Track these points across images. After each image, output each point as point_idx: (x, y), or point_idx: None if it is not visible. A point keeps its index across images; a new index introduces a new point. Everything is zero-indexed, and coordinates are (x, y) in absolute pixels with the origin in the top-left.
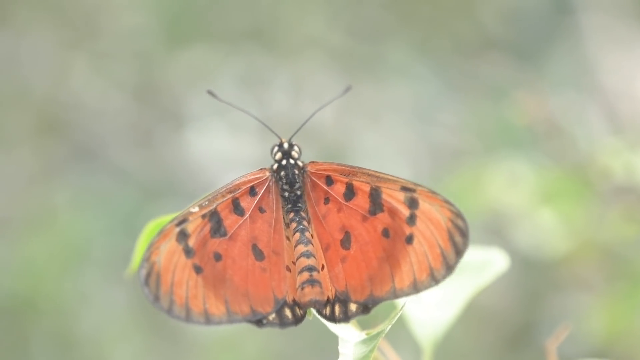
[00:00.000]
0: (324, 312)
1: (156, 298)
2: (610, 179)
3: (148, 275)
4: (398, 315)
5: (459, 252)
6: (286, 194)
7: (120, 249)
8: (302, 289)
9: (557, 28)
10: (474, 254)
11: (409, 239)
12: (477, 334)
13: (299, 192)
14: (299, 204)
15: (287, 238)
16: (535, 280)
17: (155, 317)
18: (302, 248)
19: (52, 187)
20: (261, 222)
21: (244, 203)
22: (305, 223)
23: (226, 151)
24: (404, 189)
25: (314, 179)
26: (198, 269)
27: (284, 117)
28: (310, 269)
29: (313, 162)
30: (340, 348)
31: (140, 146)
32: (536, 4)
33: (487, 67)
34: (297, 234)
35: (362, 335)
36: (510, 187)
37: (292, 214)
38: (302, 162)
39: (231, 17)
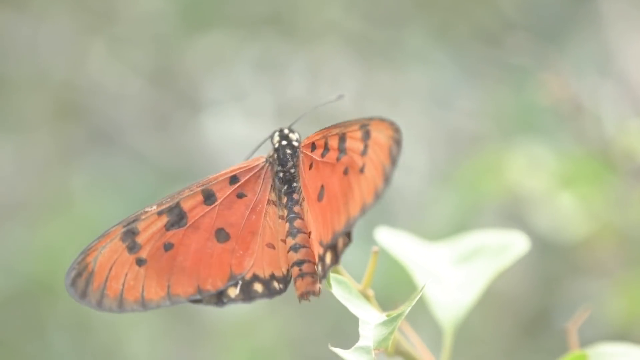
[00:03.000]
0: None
1: (83, 295)
2: (632, 160)
3: (78, 275)
4: (418, 297)
5: (394, 162)
6: (281, 174)
7: None
8: (295, 282)
9: (576, 14)
10: (494, 237)
11: (362, 169)
12: (495, 319)
13: (292, 171)
14: (294, 184)
15: (280, 217)
16: (554, 264)
17: None
18: (290, 241)
19: (69, 171)
20: (237, 206)
21: (218, 193)
22: (296, 209)
23: (242, 136)
24: (362, 126)
25: (304, 151)
26: (141, 262)
27: (300, 102)
28: (300, 263)
29: (306, 138)
30: (361, 330)
31: (158, 131)
32: None
33: (506, 51)
34: (287, 225)
35: (383, 317)
36: (530, 171)
37: (286, 199)
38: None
39: (249, 2)
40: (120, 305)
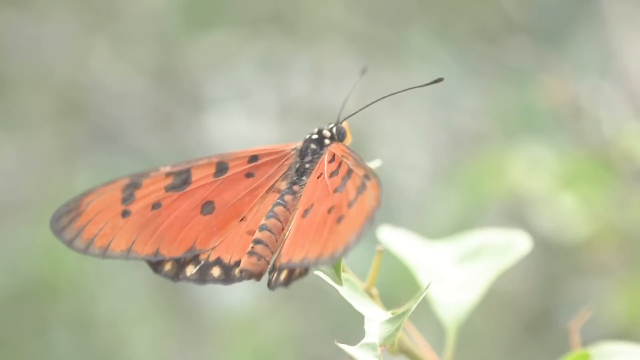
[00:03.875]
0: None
1: (61, 231)
2: (632, 162)
3: (67, 212)
4: (423, 295)
5: (362, 233)
6: (297, 165)
7: None
8: (244, 257)
9: (579, 14)
10: (496, 236)
11: (340, 219)
12: (497, 319)
13: (307, 166)
14: (304, 177)
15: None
16: (555, 265)
17: (174, 301)
18: (262, 221)
19: (72, 169)
20: (239, 184)
21: (232, 169)
22: (287, 198)
23: (245, 135)
24: (364, 177)
25: (326, 157)
26: (126, 214)
27: (303, 101)
28: (257, 242)
29: (338, 143)
30: (366, 327)
31: (160, 129)
32: None
33: (508, 51)
34: (270, 207)
35: (388, 314)
36: (531, 172)
37: (287, 187)
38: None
39: (252, 0)
40: (87, 248)
